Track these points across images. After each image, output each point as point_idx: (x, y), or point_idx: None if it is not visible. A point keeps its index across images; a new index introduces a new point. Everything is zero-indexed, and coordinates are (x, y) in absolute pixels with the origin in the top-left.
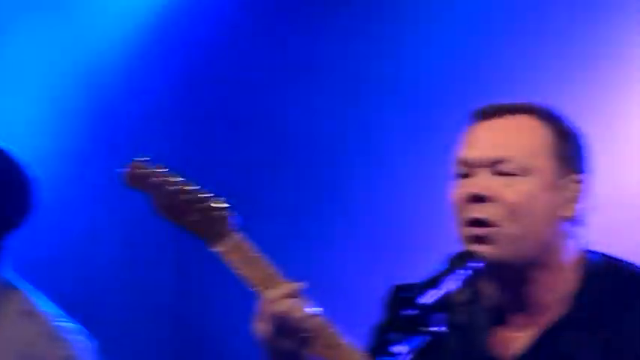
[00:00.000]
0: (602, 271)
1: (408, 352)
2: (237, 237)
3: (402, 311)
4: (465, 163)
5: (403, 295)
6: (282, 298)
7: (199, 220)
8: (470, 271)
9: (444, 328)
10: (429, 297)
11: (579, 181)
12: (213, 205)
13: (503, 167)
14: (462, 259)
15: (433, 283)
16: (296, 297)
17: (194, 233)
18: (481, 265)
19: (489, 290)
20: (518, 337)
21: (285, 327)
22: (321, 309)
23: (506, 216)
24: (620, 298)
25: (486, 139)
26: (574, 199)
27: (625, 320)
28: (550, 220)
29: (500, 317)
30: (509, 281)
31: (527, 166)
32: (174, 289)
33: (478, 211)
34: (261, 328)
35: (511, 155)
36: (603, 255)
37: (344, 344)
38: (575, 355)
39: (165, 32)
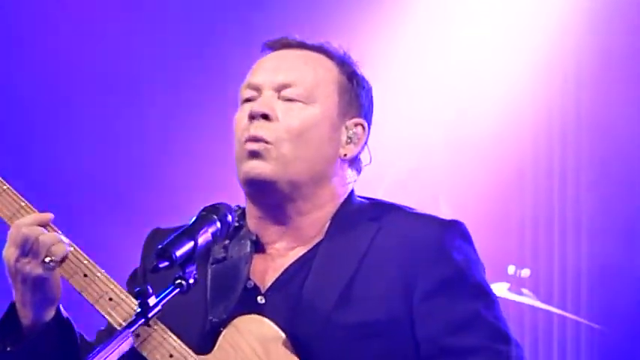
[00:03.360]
0: (358, 207)
1: (158, 303)
2: None
3: (157, 264)
4: (251, 86)
5: (160, 246)
6: (31, 224)
7: None
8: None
9: (193, 280)
10: (183, 249)
11: (362, 126)
12: None
13: (288, 92)
14: (217, 209)
15: (189, 233)
16: (44, 225)
17: None
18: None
19: (253, 223)
20: (277, 266)
21: (31, 250)
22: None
23: (284, 137)
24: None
25: (274, 65)
26: (353, 142)
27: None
28: (326, 153)
29: (263, 248)
30: (274, 209)
31: (311, 95)
32: None
33: (256, 128)
34: (8, 253)
35: (296, 81)
36: (371, 199)
37: (95, 274)
38: (316, 287)
39: None
